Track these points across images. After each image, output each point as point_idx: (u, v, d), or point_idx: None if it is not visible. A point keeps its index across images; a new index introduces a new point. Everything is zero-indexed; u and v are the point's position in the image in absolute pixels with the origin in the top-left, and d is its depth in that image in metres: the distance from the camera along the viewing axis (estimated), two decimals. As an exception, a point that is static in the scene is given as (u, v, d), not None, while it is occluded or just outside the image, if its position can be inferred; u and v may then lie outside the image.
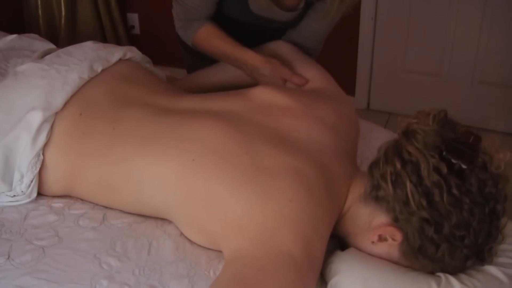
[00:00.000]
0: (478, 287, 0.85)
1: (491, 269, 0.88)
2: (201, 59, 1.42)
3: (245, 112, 1.01)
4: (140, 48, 1.31)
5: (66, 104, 1.07)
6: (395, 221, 0.86)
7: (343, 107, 1.13)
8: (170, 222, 1.02)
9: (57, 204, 1.07)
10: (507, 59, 2.46)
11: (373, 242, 0.89)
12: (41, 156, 1.04)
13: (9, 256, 0.94)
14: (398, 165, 0.84)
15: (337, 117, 1.07)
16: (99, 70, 1.15)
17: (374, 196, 0.88)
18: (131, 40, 2.94)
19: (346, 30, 2.54)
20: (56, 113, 1.06)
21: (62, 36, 2.76)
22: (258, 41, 1.38)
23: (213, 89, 1.07)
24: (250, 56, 1.27)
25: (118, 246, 0.96)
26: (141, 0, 2.94)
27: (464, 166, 0.81)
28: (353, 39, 2.64)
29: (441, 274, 0.86)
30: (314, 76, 1.25)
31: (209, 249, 0.96)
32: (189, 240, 0.98)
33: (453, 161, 0.82)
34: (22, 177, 1.04)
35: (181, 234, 0.99)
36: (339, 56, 2.49)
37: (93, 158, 1.02)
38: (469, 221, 0.81)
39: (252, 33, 1.37)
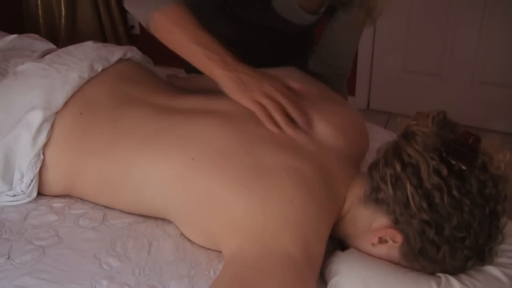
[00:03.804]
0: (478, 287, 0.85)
1: (491, 269, 0.88)
2: None
3: (247, 112, 1.01)
4: (140, 48, 1.31)
5: (66, 103, 1.07)
6: (396, 223, 0.86)
7: (349, 112, 1.12)
8: (170, 222, 1.02)
9: (57, 204, 1.07)
10: (507, 59, 2.46)
11: (373, 244, 0.89)
12: (41, 156, 1.04)
13: (9, 256, 0.94)
14: (398, 168, 0.84)
15: (342, 121, 1.07)
16: (100, 69, 1.15)
17: (374, 198, 0.88)
18: (131, 40, 2.94)
19: (346, 30, 2.53)
20: (57, 113, 1.06)
21: (62, 36, 2.76)
22: (275, 51, 1.34)
23: (215, 89, 1.07)
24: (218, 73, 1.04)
25: (118, 246, 0.96)
26: (141, 0, 2.94)
27: (464, 168, 0.82)
28: (353, 39, 2.64)
29: (441, 275, 0.87)
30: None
31: (209, 249, 0.96)
32: (189, 240, 0.98)
33: (453, 162, 0.82)
34: (22, 176, 1.04)
35: (181, 234, 0.99)
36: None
37: (94, 158, 1.03)
38: (470, 222, 0.81)
39: (266, 39, 1.34)
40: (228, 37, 1.31)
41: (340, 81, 1.43)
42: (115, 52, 1.21)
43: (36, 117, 1.03)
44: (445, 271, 0.87)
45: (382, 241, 0.88)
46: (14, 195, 1.05)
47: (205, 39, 1.05)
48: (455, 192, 0.81)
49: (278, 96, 0.99)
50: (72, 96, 1.08)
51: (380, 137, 1.23)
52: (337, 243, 0.98)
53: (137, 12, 1.13)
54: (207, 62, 1.03)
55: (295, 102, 1.00)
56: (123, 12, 2.88)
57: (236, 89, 1.01)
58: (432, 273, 0.88)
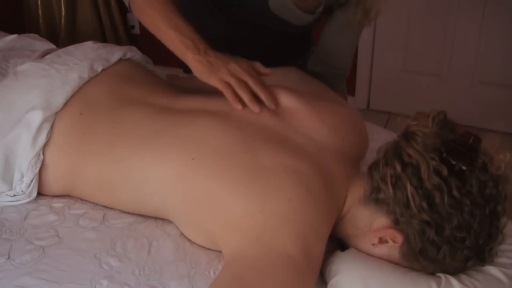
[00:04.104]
0: (478, 288, 0.85)
1: (491, 269, 0.88)
2: None
3: (246, 112, 1.01)
4: (140, 48, 1.31)
5: (66, 103, 1.07)
6: (396, 224, 0.86)
7: (348, 112, 1.12)
8: (170, 222, 1.02)
9: (57, 204, 1.07)
10: (507, 59, 2.46)
11: (373, 244, 0.89)
12: (41, 156, 1.04)
13: (9, 256, 0.94)
14: (398, 168, 0.84)
15: (341, 120, 1.07)
16: (99, 69, 1.15)
17: (374, 198, 0.88)
18: (131, 40, 2.94)
19: (346, 30, 2.53)
20: (56, 113, 1.06)
21: (62, 36, 2.76)
22: (272, 51, 1.35)
23: (214, 89, 1.07)
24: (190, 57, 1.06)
25: (118, 246, 0.96)
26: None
27: (464, 168, 0.81)
28: (353, 39, 2.64)
29: (441, 275, 0.87)
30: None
31: (209, 249, 0.96)
32: (189, 240, 0.98)
33: (453, 162, 0.82)
34: (22, 176, 1.04)
35: (181, 234, 0.99)
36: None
37: (93, 158, 1.03)
38: (470, 222, 0.81)
39: (265, 39, 1.34)
40: (225, 37, 1.31)
41: (339, 80, 1.43)
42: (115, 52, 1.21)
43: (36, 117, 1.03)
44: (445, 271, 0.87)
45: (382, 241, 0.88)
46: (14, 195, 1.05)
47: (180, 24, 1.07)
48: (455, 193, 0.81)
49: (243, 75, 1.01)
50: (72, 96, 1.08)
51: (380, 137, 1.23)
52: (337, 243, 0.98)
53: None
54: (181, 47, 1.06)
55: (260, 81, 1.02)
56: (123, 12, 2.88)
57: (205, 71, 1.03)
58: (432, 273, 0.88)
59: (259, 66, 1.06)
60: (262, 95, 1.01)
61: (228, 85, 1.01)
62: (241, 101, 1.00)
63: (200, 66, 1.04)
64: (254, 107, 1.00)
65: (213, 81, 1.02)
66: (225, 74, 1.01)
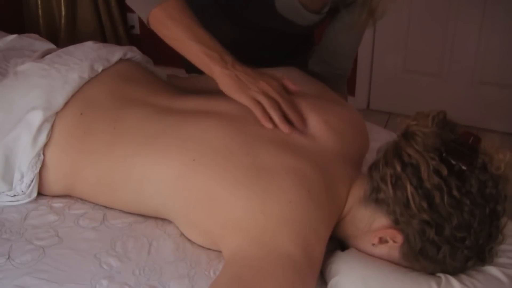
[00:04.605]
0: (478, 288, 0.85)
1: (491, 269, 0.88)
2: None
3: (247, 113, 1.01)
4: (140, 48, 1.31)
5: (66, 103, 1.07)
6: (396, 224, 0.86)
7: (348, 112, 1.12)
8: (170, 222, 1.02)
9: (57, 204, 1.07)
10: (507, 59, 2.46)
11: (373, 244, 0.89)
12: (42, 156, 1.04)
13: (9, 256, 0.94)
14: (398, 168, 0.84)
15: (342, 121, 1.06)
16: (100, 70, 1.15)
17: (374, 198, 0.88)
18: (131, 40, 2.94)
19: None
20: (57, 113, 1.06)
21: (62, 36, 2.76)
22: (274, 52, 1.35)
23: (215, 89, 1.07)
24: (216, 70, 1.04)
25: (118, 246, 0.96)
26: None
27: (464, 168, 0.82)
28: (353, 39, 2.63)
29: (441, 275, 0.87)
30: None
31: (209, 249, 0.96)
32: (189, 240, 0.98)
33: (453, 162, 0.82)
34: (22, 176, 1.04)
35: (181, 234, 0.99)
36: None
37: (94, 158, 1.03)
38: (470, 222, 0.81)
39: (267, 39, 1.34)
40: (228, 37, 1.31)
41: (340, 81, 1.43)
42: (115, 52, 1.21)
43: (36, 117, 1.03)
44: (445, 271, 0.87)
45: (382, 241, 0.88)
46: (14, 195, 1.05)
47: (203, 36, 1.06)
48: (455, 192, 0.81)
49: (274, 94, 1.01)
50: (72, 96, 1.08)
51: (380, 137, 1.23)
52: (337, 243, 0.98)
53: (137, 8, 1.13)
54: (205, 60, 1.04)
55: (290, 101, 1.02)
56: (123, 12, 2.88)
57: (234, 86, 1.02)
58: (432, 273, 0.88)
59: (287, 82, 1.05)
60: (293, 117, 1.00)
61: (258, 103, 1.00)
62: (271, 119, 0.99)
63: (229, 81, 1.02)
64: (285, 128, 0.99)
65: (242, 98, 1.01)
66: (255, 92, 1.00)
